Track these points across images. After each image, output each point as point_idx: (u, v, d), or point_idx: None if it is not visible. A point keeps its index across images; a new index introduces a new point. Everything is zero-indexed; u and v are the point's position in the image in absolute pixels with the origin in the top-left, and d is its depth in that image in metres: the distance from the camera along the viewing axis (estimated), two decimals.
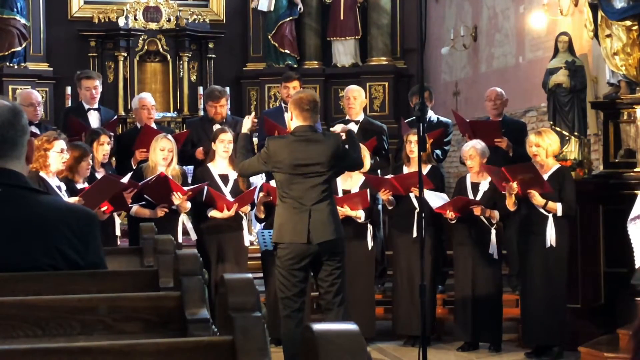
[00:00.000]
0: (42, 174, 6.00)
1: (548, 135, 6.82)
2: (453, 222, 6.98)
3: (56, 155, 6.05)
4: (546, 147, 6.73)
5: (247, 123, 6.18)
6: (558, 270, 6.67)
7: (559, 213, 6.61)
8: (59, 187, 6.07)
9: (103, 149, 6.98)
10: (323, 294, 5.80)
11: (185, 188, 6.79)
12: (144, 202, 6.79)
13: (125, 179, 6.55)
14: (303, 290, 5.78)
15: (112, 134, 7.72)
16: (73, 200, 5.87)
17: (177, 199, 6.70)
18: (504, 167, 6.69)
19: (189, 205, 6.82)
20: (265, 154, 5.72)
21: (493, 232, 6.92)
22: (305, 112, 5.69)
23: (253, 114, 6.75)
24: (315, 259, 5.71)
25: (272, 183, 6.71)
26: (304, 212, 5.62)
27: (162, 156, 6.88)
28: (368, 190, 6.96)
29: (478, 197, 7.00)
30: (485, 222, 6.93)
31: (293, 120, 5.74)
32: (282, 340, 5.70)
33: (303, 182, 5.64)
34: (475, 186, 7.06)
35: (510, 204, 6.71)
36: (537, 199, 6.61)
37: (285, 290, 5.71)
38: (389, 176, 7.32)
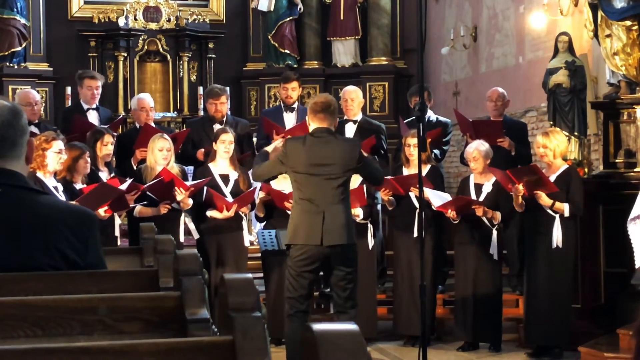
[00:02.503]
0: (39, 174, 5.97)
1: (555, 135, 6.81)
2: (456, 222, 6.98)
3: (54, 156, 6.03)
4: (554, 148, 6.72)
5: (272, 146, 6.31)
6: (563, 271, 6.66)
7: (566, 213, 6.60)
8: (55, 188, 6.04)
9: (107, 148, 6.97)
10: (335, 298, 5.88)
11: (188, 183, 6.79)
12: (145, 202, 6.78)
13: (124, 186, 6.53)
14: (310, 292, 5.84)
15: (115, 133, 7.72)
16: None
17: (180, 194, 6.70)
18: (509, 170, 6.70)
19: (190, 201, 6.82)
20: (283, 154, 5.77)
21: (494, 232, 6.92)
22: (320, 113, 5.73)
23: (281, 141, 6.41)
24: (326, 262, 5.73)
25: (272, 184, 6.71)
26: (317, 214, 5.64)
27: (162, 156, 6.89)
28: (364, 186, 6.95)
29: (481, 198, 6.99)
30: (487, 222, 6.93)
31: (310, 125, 5.81)
32: (285, 340, 5.73)
33: (318, 183, 5.67)
34: (479, 187, 7.05)
35: (517, 205, 6.71)
36: (544, 199, 6.60)
37: (292, 291, 5.73)
38: (388, 177, 7.32)
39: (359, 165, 5.81)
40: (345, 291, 5.79)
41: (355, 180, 7.12)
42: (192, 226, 7.02)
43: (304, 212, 5.68)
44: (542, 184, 6.59)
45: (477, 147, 7.04)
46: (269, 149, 6.36)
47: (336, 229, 5.66)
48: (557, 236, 6.62)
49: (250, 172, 6.67)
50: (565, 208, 6.60)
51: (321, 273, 6.04)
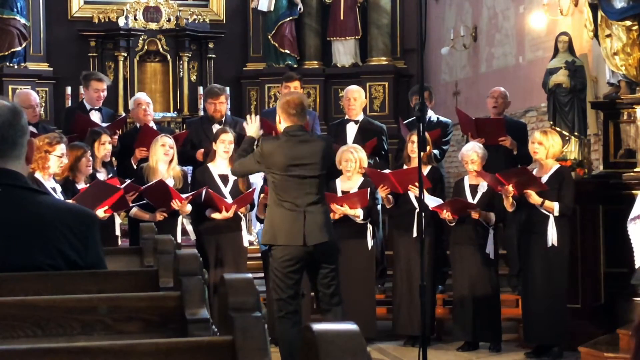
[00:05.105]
0: (37, 174, 5.98)
1: (552, 136, 6.83)
2: (452, 224, 6.99)
3: (56, 159, 6.05)
4: (548, 147, 6.73)
5: (252, 127, 6.18)
6: (559, 270, 6.68)
7: (556, 212, 6.62)
8: (53, 189, 6.05)
9: (105, 148, 6.98)
10: (320, 296, 5.87)
11: (184, 195, 6.79)
12: (144, 201, 6.79)
13: (123, 185, 6.54)
14: (298, 292, 5.82)
15: (117, 131, 7.73)
16: None
17: (176, 205, 6.73)
18: (498, 173, 6.71)
19: (189, 208, 6.84)
20: (259, 154, 5.76)
21: (491, 232, 6.92)
22: (293, 115, 5.74)
23: (255, 117, 6.46)
24: (310, 261, 5.73)
25: None
26: (298, 214, 5.64)
27: (163, 151, 6.92)
28: (368, 189, 6.97)
29: (476, 199, 7.00)
30: (484, 222, 6.93)
31: (281, 123, 5.80)
32: (278, 341, 5.72)
33: (297, 184, 5.68)
34: (474, 188, 7.06)
35: (508, 205, 6.73)
36: (533, 198, 6.62)
37: (280, 292, 5.73)
38: (387, 171, 7.32)
39: (331, 163, 5.89)
40: (330, 288, 5.80)
41: (356, 182, 7.13)
42: (189, 227, 7.04)
43: (284, 212, 5.68)
44: (532, 183, 6.61)
45: (475, 149, 7.05)
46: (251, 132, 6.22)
47: (317, 228, 5.67)
48: (552, 235, 6.63)
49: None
50: (555, 207, 6.61)
51: None
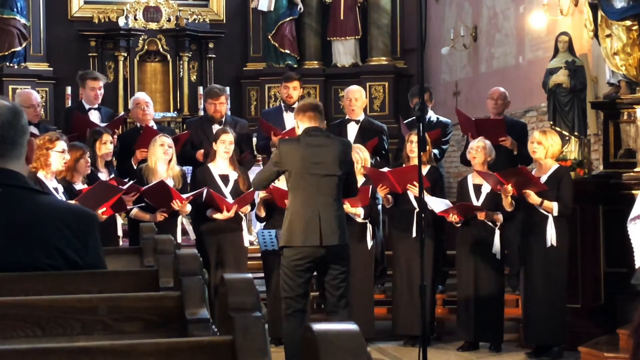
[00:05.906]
0: (40, 174, 5.97)
1: (552, 136, 6.84)
2: (458, 225, 6.98)
3: (58, 155, 6.04)
4: (547, 146, 6.74)
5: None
6: (558, 270, 6.68)
7: (555, 212, 6.62)
8: (55, 189, 6.05)
9: (106, 147, 6.99)
10: (329, 297, 5.87)
11: (184, 195, 6.80)
12: (143, 204, 6.79)
13: (125, 187, 6.54)
14: (307, 291, 5.83)
15: (115, 130, 7.74)
16: None
17: (176, 206, 6.73)
18: (497, 173, 6.72)
19: (189, 208, 6.84)
20: (277, 155, 5.78)
21: (497, 232, 6.91)
22: (309, 112, 5.77)
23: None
24: (321, 261, 5.73)
25: (274, 183, 6.71)
26: (314, 213, 5.64)
27: (162, 151, 6.93)
28: (370, 187, 6.97)
29: (481, 199, 7.00)
30: (490, 223, 6.93)
31: (299, 126, 5.83)
32: (283, 340, 5.73)
33: (314, 183, 5.67)
34: (478, 188, 7.05)
35: (507, 204, 6.74)
36: (532, 198, 6.62)
37: (289, 291, 5.73)
38: (385, 169, 7.32)
39: (349, 169, 5.85)
40: (339, 290, 5.79)
41: (359, 180, 7.13)
42: (189, 227, 7.03)
43: (299, 211, 5.68)
44: (531, 183, 6.62)
45: (482, 140, 7.10)
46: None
47: (332, 229, 5.66)
48: (551, 235, 6.63)
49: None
50: (554, 207, 6.62)
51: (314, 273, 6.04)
